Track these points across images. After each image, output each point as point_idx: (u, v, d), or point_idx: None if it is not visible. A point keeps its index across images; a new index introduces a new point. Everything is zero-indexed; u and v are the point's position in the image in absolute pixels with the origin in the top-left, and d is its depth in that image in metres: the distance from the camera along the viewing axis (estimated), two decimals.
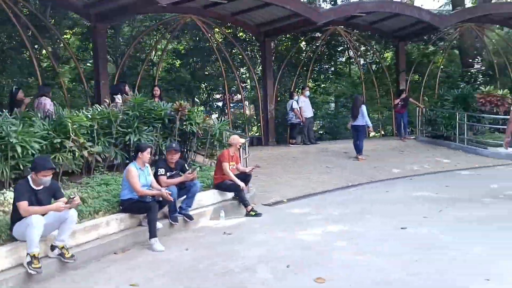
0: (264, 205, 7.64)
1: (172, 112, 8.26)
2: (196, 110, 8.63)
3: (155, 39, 13.79)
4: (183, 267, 4.75)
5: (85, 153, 6.77)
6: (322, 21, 11.82)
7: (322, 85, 16.06)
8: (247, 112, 16.30)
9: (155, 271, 4.67)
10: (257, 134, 15.08)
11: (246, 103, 17.63)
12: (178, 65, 14.30)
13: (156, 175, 6.12)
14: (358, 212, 6.82)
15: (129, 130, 7.56)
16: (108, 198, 5.94)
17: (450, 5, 20.18)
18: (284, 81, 14.90)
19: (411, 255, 4.75)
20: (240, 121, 14.43)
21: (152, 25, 13.06)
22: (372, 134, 16.18)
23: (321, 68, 16.18)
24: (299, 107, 13.02)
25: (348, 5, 12.27)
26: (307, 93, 13.41)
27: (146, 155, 5.76)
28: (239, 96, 15.92)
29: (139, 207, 5.62)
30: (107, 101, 8.18)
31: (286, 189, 8.56)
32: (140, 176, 5.69)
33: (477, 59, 16.49)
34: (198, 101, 14.55)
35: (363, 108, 11.28)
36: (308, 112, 13.28)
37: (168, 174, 6.22)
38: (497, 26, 17.05)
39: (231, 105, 15.42)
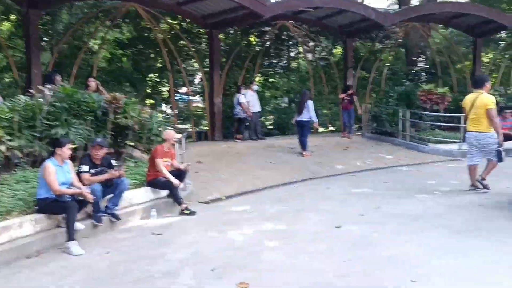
0: (201, 203, 7.35)
1: (105, 105, 7.81)
2: (131, 103, 8.17)
3: (95, 27, 13.07)
4: (99, 273, 4.38)
5: (2, 147, 6.19)
6: (268, 15, 11.62)
7: (271, 80, 15.89)
8: (200, 105, 15.92)
9: (67, 277, 4.28)
10: (207, 128, 14.72)
11: (196, 97, 17.24)
12: (119, 56, 13.64)
13: (79, 172, 5.68)
14: (296, 209, 6.66)
15: (55, 123, 7.04)
16: (24, 197, 5.44)
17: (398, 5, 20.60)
18: (232, 75, 14.60)
19: (342, 255, 4.61)
20: (186, 115, 14.00)
21: (89, 12, 12.33)
22: (321, 129, 16.22)
23: (270, 62, 16.01)
24: (247, 102, 12.79)
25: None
26: (255, 87, 13.20)
27: (65, 150, 5.30)
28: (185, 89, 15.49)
29: (56, 207, 5.17)
30: (32, 91, 7.57)
31: (226, 186, 8.30)
32: (59, 174, 5.23)
33: (420, 58, 16.87)
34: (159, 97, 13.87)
35: (310, 103, 11.17)
36: (256, 106, 13.09)
37: (92, 171, 5.79)
38: (440, 25, 17.53)
39: (177, 98, 14.98)
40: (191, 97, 20.32)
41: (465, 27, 16.03)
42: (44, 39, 12.46)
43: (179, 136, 7.19)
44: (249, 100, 12.84)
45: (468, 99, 7.35)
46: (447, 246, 4.78)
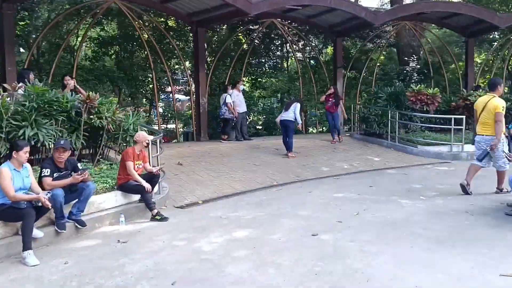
0: (177, 207, 7.06)
1: (79, 104, 7.51)
2: (107, 102, 7.86)
3: (76, 24, 12.71)
4: (50, 287, 4.08)
5: None
6: (254, 12, 11.33)
7: (259, 79, 15.59)
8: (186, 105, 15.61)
9: None
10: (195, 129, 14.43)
11: (182, 96, 16.93)
12: (101, 54, 13.29)
13: (41, 177, 5.39)
14: (273, 215, 6.39)
15: (24, 123, 6.73)
16: None
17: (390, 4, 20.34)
18: (218, 74, 14.30)
19: (311, 267, 4.34)
20: (170, 115, 13.69)
21: (69, 8, 11.97)
22: (310, 130, 15.99)
23: (258, 62, 15.71)
24: (233, 102, 12.51)
25: None
26: (241, 87, 12.92)
27: (22, 154, 4.99)
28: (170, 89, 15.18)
29: (12, 214, 4.86)
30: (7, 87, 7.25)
31: (204, 189, 8.01)
32: (15, 179, 4.93)
33: (412, 58, 16.63)
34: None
35: (297, 105, 10.96)
36: (242, 107, 12.80)
37: (55, 175, 5.49)
38: (433, 25, 17.29)
39: (163, 97, 14.68)
40: (180, 97, 20.07)
41: (457, 27, 15.80)
42: (21, 35, 12.08)
43: (151, 137, 6.87)
44: (235, 100, 12.56)
45: (480, 102, 7.26)
46: (419, 259, 4.52)
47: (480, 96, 12.55)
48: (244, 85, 14.20)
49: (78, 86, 9.03)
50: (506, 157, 6.92)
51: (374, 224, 5.80)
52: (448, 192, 7.59)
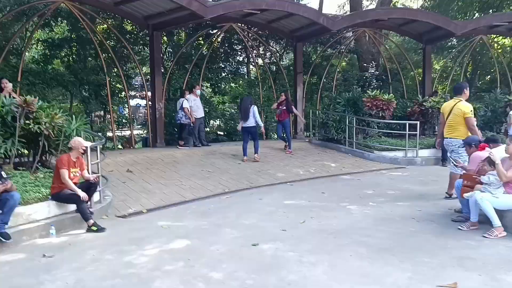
0: (119, 217, 6.72)
1: (15, 109, 7.09)
2: (46, 107, 7.45)
3: (22, 25, 12.13)
4: None
5: None
6: (209, 16, 11.09)
7: (218, 85, 15.34)
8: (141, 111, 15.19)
9: None
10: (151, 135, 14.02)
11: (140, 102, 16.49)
12: (49, 57, 12.73)
13: None
14: (217, 224, 6.14)
15: None
16: None
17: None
18: (176, 79, 13.97)
19: (243, 281, 4.12)
20: (125, 121, 13.26)
21: (14, 9, 11.40)
22: (270, 135, 15.82)
23: (218, 67, 15.46)
24: (190, 107, 12.20)
25: (238, 0, 11.60)
26: (198, 91, 12.61)
27: None
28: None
29: None
30: None
31: (151, 197, 7.68)
32: None
33: (371, 64, 16.76)
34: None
35: (254, 108, 10.90)
36: (199, 112, 12.51)
37: None
38: (393, 33, 17.52)
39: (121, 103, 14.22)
40: (141, 102, 19.59)
41: (415, 34, 15.99)
42: None
43: (88, 143, 6.50)
44: (192, 105, 12.25)
45: (447, 106, 7.38)
46: (357, 269, 4.38)
47: (435, 101, 12.81)
48: (203, 90, 13.91)
49: (12, 92, 8.60)
50: (453, 163, 6.90)
51: (319, 232, 5.63)
52: (398, 197, 7.54)
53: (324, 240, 5.29)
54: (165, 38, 14.66)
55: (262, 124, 11.22)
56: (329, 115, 13.05)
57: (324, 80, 15.72)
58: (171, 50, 14.12)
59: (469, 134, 6.90)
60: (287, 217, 6.42)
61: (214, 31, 14.47)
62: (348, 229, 5.72)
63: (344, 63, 17.24)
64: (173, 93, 13.88)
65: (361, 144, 12.15)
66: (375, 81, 16.41)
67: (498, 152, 5.78)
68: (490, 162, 5.46)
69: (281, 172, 9.97)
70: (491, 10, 19.62)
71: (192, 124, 12.26)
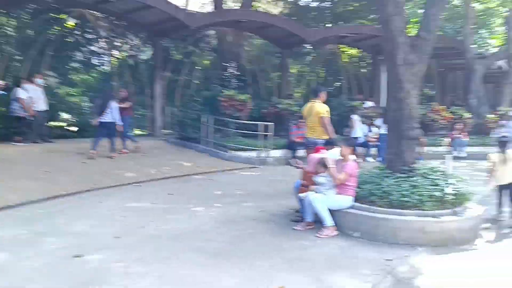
0: None
1: None
2: None
3: None
4: None
5: None
6: None
7: (67, 75, 13.99)
8: None
9: None
10: None
11: None
12: None
13: None
14: (40, 233, 5.38)
15: None
16: None
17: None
18: (16, 66, 12.35)
19: None
20: None
21: None
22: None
23: (66, 55, 14.09)
24: (29, 97, 10.81)
25: None
26: (39, 81, 11.26)
27: None
28: None
29: None
30: None
31: None
32: None
33: (231, 63, 16.94)
34: None
35: (113, 104, 10.18)
36: (40, 104, 11.18)
37: None
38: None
39: None
40: None
41: (274, 38, 16.58)
42: None
43: None
44: (31, 96, 10.88)
45: (306, 108, 7.74)
46: (187, 278, 4.13)
47: (289, 104, 13.40)
48: (48, 79, 12.50)
49: None
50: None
51: (155, 237, 5.28)
52: (245, 198, 7.57)
53: (159, 247, 4.94)
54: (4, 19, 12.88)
55: (121, 123, 10.45)
56: (186, 113, 12.76)
57: (186, 77, 15.40)
58: (13, 33, 12.42)
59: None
60: (125, 222, 5.94)
61: (64, 16, 13.14)
62: (188, 234, 5.46)
63: (207, 61, 17.11)
64: (11, 82, 12.22)
65: (219, 144, 12.11)
66: (235, 81, 16.60)
67: (333, 154, 6.09)
68: (323, 164, 5.69)
69: (131, 172, 9.38)
70: (342, 22, 21.35)
71: (31, 118, 10.91)
